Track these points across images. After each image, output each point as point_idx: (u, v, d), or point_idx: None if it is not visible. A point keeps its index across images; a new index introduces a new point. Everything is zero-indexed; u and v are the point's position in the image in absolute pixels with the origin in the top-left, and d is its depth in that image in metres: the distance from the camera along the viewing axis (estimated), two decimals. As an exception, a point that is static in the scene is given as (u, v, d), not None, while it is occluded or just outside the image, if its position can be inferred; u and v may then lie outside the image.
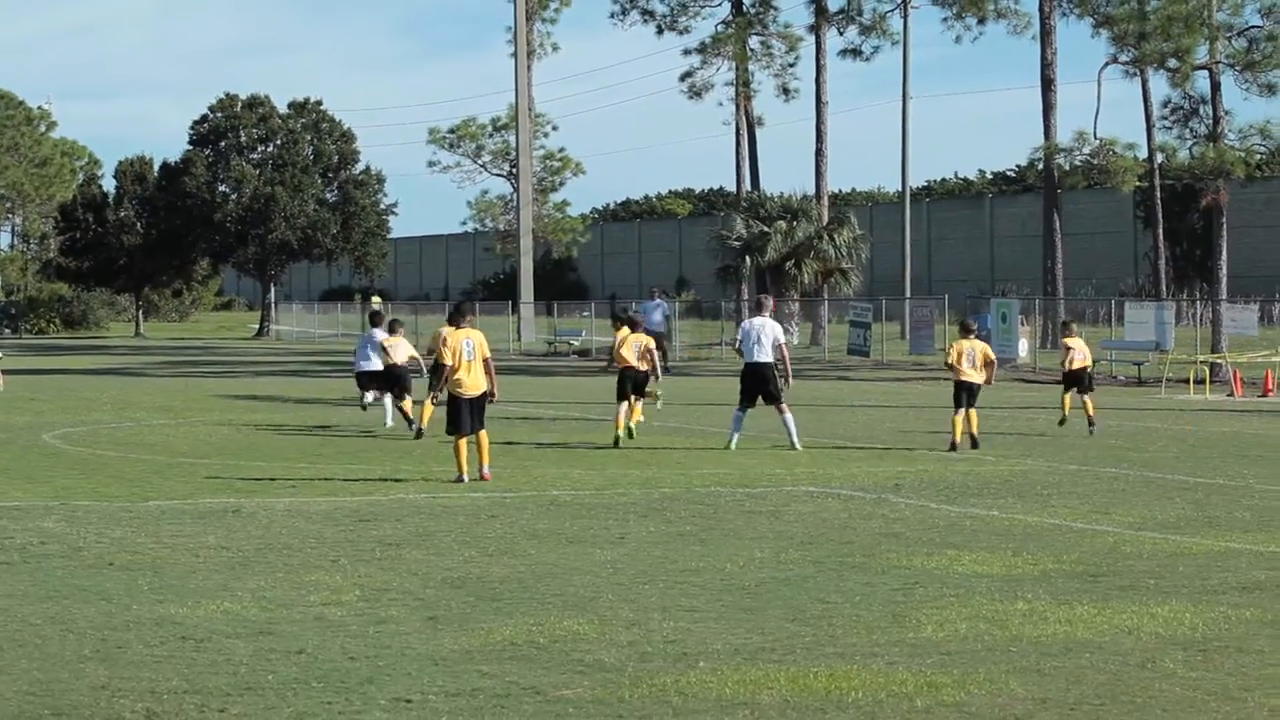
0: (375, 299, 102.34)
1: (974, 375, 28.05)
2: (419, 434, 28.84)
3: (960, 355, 28.15)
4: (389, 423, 31.03)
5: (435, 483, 22.26)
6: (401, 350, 31.21)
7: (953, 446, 27.34)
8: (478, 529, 17.87)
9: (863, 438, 30.00)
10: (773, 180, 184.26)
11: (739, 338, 28.13)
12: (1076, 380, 31.74)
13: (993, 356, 28.82)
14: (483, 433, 22.56)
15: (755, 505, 20.09)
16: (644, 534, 17.57)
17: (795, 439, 27.36)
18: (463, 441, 22.36)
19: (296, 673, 11.13)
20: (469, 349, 22.48)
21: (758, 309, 28.92)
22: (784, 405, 27.64)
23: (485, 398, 22.67)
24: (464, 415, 22.37)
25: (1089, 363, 32.34)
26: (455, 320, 23.59)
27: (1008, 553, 16.26)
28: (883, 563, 15.67)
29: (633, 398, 29.17)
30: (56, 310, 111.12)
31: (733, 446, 27.27)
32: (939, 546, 16.71)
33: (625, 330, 30.10)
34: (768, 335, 27.66)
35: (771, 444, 27.42)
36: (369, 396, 32.03)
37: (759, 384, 27.59)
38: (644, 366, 29.42)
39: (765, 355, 27.57)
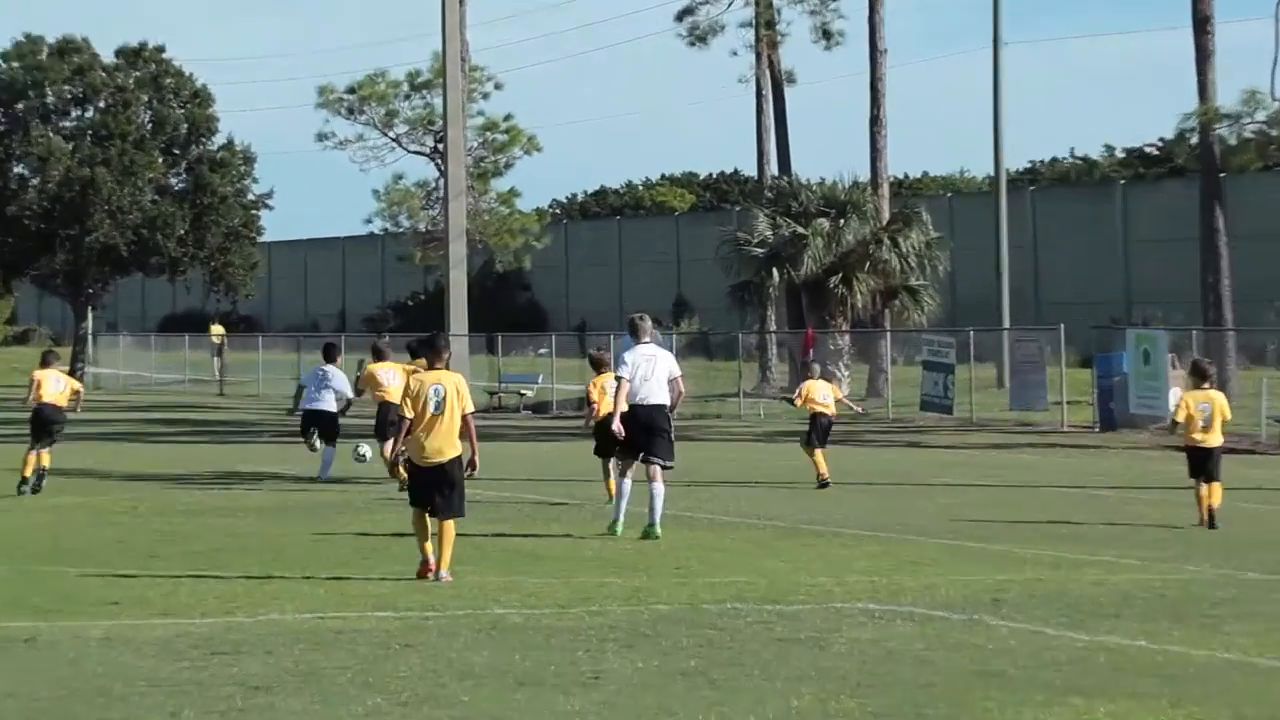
0: (216, 328, 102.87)
1: (1211, 439, 29.98)
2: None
3: (1192, 411, 30.12)
4: (326, 474, 38.52)
5: (320, 583, 22.10)
6: (51, 384, 36.39)
7: (1203, 523, 29.67)
8: (386, 665, 17.75)
9: (946, 531, 30.01)
10: (808, 162, 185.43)
11: (624, 375, 28.52)
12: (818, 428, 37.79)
13: (1228, 414, 30.74)
14: (448, 523, 23.19)
15: (790, 630, 20.02)
16: (629, 671, 17.48)
17: (659, 522, 28.04)
18: (425, 517, 23.24)
19: None
20: (437, 398, 23.15)
21: (634, 333, 29.26)
22: (664, 472, 28.31)
23: (458, 467, 23.36)
24: (421, 488, 23.25)
25: (830, 409, 38.87)
26: (427, 356, 24.28)
27: (1163, 702, 16.19)
28: (978, 716, 15.58)
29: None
30: None
31: (620, 529, 28.16)
32: (1060, 692, 16.62)
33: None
34: (661, 368, 28.46)
35: (799, 535, 27.25)
36: (316, 440, 38.70)
37: (644, 435, 28.21)
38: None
39: (658, 396, 28.32)
